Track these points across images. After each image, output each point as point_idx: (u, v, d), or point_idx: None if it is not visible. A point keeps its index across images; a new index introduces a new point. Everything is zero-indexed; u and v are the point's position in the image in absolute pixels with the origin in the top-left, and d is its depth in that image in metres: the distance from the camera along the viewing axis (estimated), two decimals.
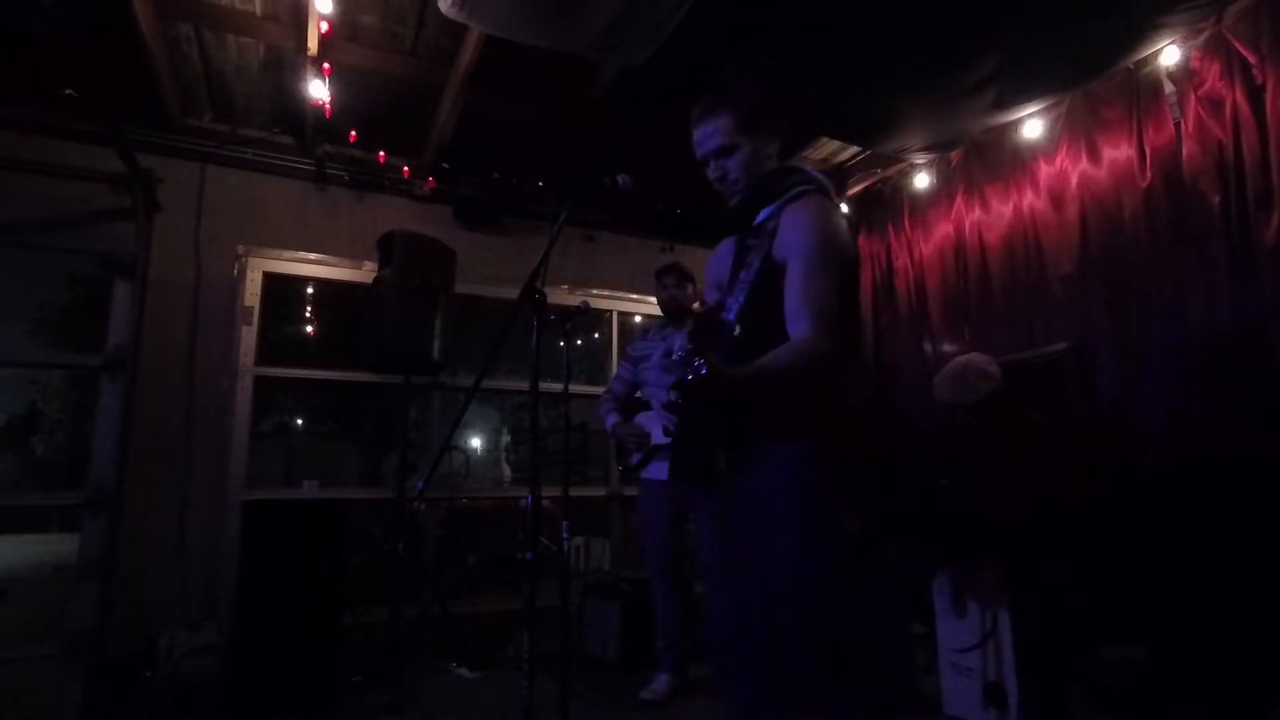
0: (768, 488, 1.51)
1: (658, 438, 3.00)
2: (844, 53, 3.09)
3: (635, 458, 3.10)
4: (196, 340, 3.60)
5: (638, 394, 3.25)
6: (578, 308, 2.57)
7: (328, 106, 3.40)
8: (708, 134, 1.61)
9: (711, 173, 1.64)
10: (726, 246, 1.75)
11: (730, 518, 1.63)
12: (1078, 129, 3.37)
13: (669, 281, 3.18)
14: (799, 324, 1.45)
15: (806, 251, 1.49)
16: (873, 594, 2.85)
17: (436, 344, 3.41)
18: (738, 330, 1.53)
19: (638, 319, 4.85)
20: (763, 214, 1.62)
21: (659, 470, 3.00)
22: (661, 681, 3.00)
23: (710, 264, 1.81)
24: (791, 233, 1.52)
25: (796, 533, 1.48)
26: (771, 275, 1.52)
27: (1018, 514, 2.48)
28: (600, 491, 4.59)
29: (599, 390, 3.48)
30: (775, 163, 1.65)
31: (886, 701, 2.66)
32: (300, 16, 3.04)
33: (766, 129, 1.62)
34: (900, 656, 2.77)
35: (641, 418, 3.15)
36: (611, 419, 3.21)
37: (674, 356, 1.33)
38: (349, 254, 3.96)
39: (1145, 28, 2.95)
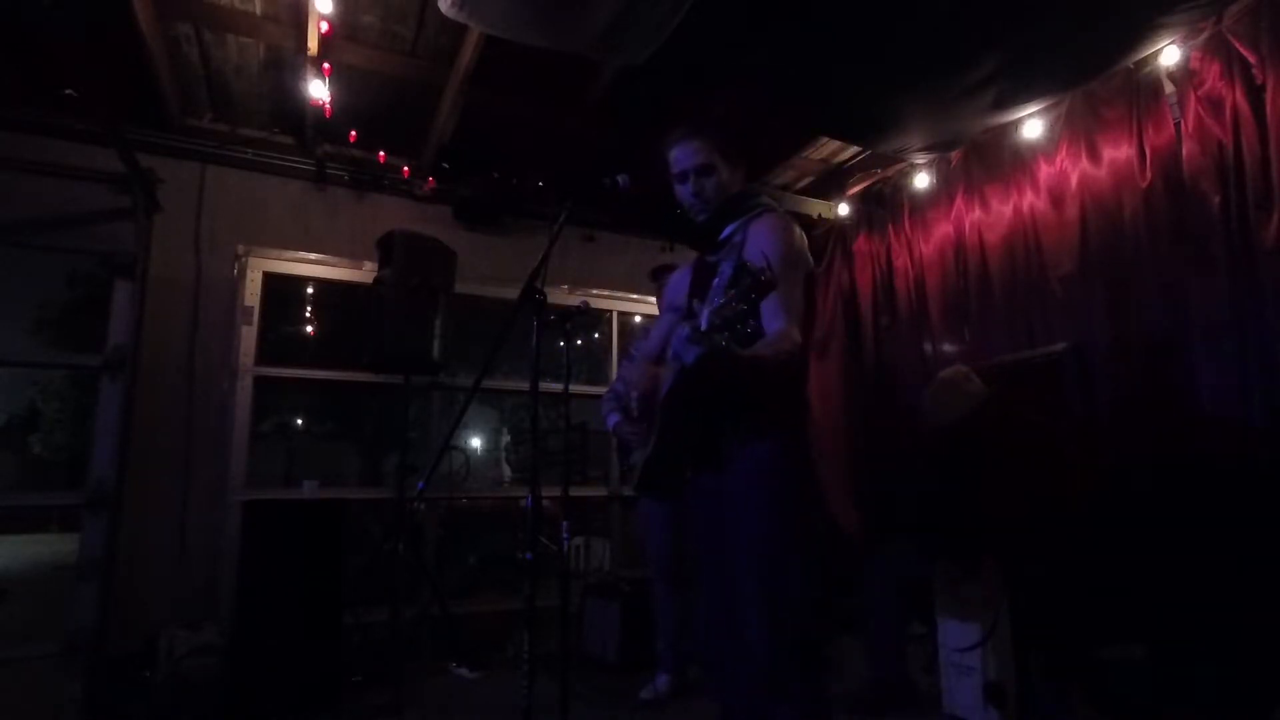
0: (744, 485, 1.60)
1: None
2: (844, 53, 3.09)
3: (637, 456, 3.10)
4: (196, 340, 3.60)
5: None
6: (578, 308, 2.57)
7: (328, 106, 3.40)
8: (691, 151, 1.76)
9: (689, 187, 1.77)
10: (682, 274, 1.92)
11: (710, 516, 1.70)
12: (1078, 129, 3.37)
13: (665, 280, 3.19)
14: (777, 320, 1.56)
15: (777, 257, 1.61)
16: (871, 591, 2.86)
17: (436, 344, 3.41)
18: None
19: (638, 319, 4.85)
20: (727, 230, 1.77)
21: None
22: (661, 681, 3.00)
23: (667, 290, 1.97)
24: (762, 242, 1.64)
25: (774, 527, 1.57)
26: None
27: (1017, 514, 2.48)
28: (600, 491, 4.59)
29: (599, 390, 3.48)
30: (736, 188, 1.81)
31: (876, 696, 2.68)
32: (300, 16, 3.04)
33: (738, 158, 1.81)
34: (894, 655, 2.77)
35: None
36: (613, 418, 3.21)
37: (704, 323, 1.35)
38: (349, 254, 3.96)
39: (1145, 28, 2.94)
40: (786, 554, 1.55)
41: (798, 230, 1.73)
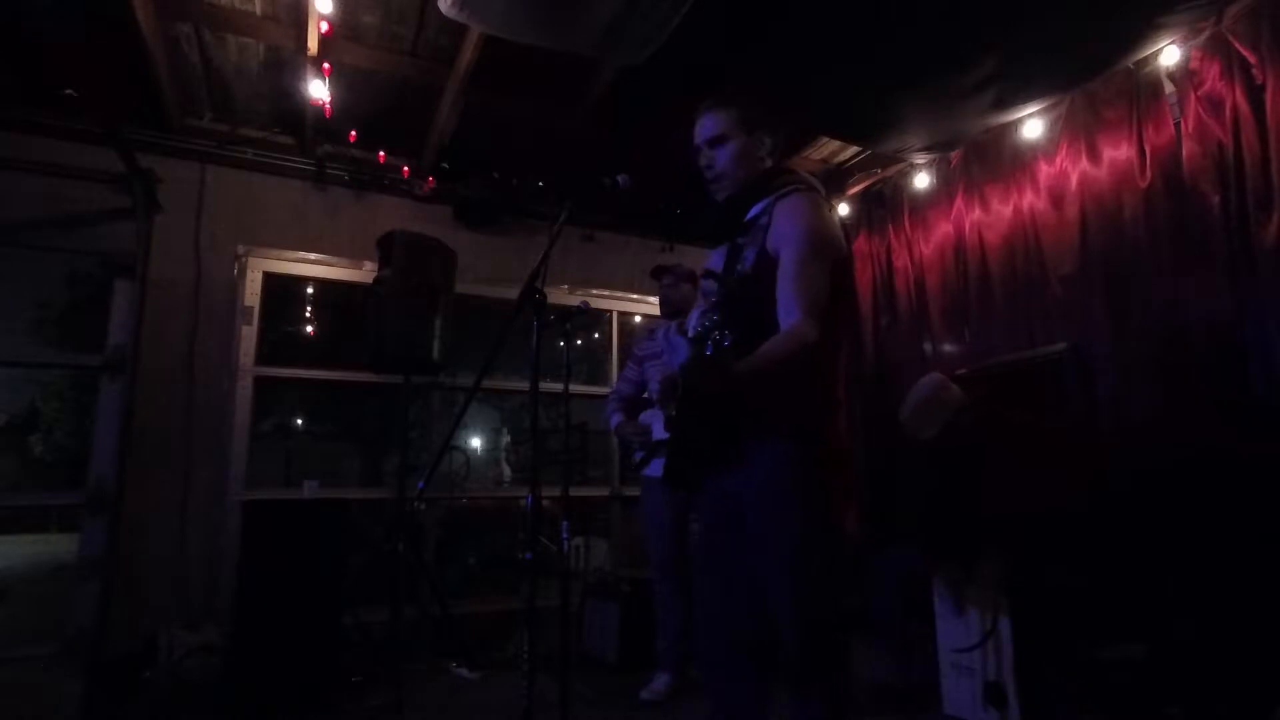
0: (759, 486, 1.54)
1: (659, 434, 3.00)
2: (844, 53, 3.09)
3: (638, 455, 3.11)
4: (196, 340, 3.60)
5: (645, 394, 3.26)
6: (578, 308, 2.57)
7: (328, 106, 3.40)
8: (708, 123, 1.67)
9: (701, 160, 1.70)
10: (718, 254, 1.79)
11: (721, 516, 1.66)
12: (1078, 129, 3.37)
13: (667, 281, 3.20)
14: (790, 313, 1.48)
15: (799, 242, 1.53)
16: (872, 590, 2.86)
17: (436, 344, 3.41)
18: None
19: (638, 319, 4.86)
20: (754, 210, 1.66)
21: (661, 468, 3.01)
22: (662, 681, 3.00)
23: (705, 269, 1.84)
24: (784, 225, 1.56)
25: (788, 529, 1.52)
26: (766, 267, 1.55)
27: (1016, 514, 2.48)
28: (601, 491, 4.59)
29: (599, 390, 3.49)
30: (768, 163, 1.69)
31: (876, 696, 2.68)
32: (300, 16, 3.04)
33: (762, 128, 1.67)
34: (895, 655, 2.77)
35: (645, 416, 3.17)
36: (615, 419, 3.22)
37: (690, 332, 1.32)
38: (349, 254, 3.96)
39: (1145, 28, 2.95)
40: (814, 554, 1.50)
41: (827, 212, 1.61)
